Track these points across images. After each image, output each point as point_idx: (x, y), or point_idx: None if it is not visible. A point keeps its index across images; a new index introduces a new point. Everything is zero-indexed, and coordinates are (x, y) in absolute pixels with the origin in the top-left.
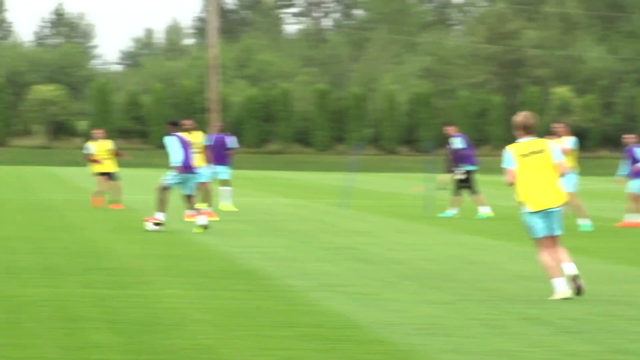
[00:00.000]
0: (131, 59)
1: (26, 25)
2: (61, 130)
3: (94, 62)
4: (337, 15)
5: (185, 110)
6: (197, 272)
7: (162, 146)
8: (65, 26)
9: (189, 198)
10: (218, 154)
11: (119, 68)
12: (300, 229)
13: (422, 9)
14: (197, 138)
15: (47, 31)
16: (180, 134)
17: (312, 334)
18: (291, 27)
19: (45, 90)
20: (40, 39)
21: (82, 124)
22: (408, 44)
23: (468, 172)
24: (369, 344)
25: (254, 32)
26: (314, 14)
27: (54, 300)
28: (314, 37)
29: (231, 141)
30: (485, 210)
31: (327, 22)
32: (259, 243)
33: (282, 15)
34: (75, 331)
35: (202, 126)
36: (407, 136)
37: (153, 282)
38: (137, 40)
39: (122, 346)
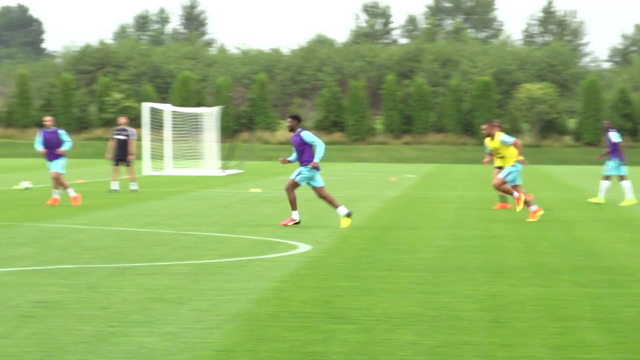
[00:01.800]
0: (621, 55)
1: (516, 24)
2: (550, 128)
3: (583, 59)
4: None
5: None
6: None
7: None
8: (554, 24)
9: (321, 194)
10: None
11: (608, 65)
12: None
13: None
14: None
15: (536, 29)
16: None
17: None
18: None
19: (534, 89)
20: (529, 37)
21: (571, 122)
22: None
23: None
24: None
25: None
26: None
27: (544, 299)
28: None
29: (615, 136)
30: None
31: None
32: None
33: None
34: (566, 330)
35: None
36: None
37: None
38: (627, 37)
39: (614, 345)
